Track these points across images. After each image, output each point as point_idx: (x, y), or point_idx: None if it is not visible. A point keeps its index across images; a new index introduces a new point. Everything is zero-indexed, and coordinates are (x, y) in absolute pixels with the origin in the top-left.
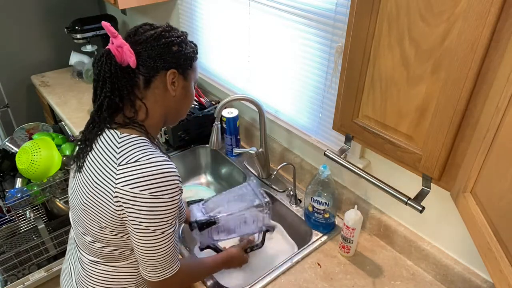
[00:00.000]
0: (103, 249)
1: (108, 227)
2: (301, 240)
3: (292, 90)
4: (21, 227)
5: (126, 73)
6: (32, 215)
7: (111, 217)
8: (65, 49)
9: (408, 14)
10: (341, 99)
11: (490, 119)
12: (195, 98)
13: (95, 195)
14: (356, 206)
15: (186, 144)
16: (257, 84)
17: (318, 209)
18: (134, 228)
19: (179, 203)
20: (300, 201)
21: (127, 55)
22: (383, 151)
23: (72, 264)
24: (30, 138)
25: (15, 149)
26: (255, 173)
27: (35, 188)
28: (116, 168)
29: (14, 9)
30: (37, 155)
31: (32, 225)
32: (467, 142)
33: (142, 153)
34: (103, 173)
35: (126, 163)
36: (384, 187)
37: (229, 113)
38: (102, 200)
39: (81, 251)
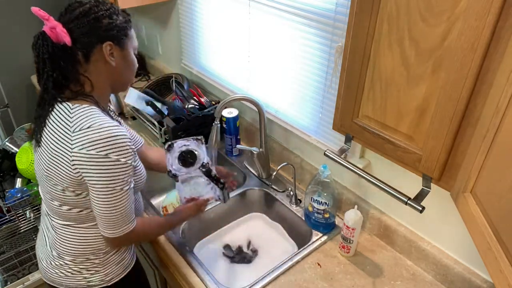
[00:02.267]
0: (70, 211)
1: (68, 188)
2: (301, 240)
3: (292, 90)
4: (21, 227)
5: (64, 52)
6: (32, 215)
7: (70, 179)
8: None
9: (408, 14)
10: (341, 99)
11: (490, 119)
12: (194, 98)
13: (54, 162)
14: (356, 206)
15: None
16: (257, 84)
17: (318, 209)
18: (93, 188)
19: (132, 162)
20: (300, 201)
21: (61, 35)
22: (383, 151)
23: (46, 232)
24: None
25: (15, 149)
26: (255, 173)
27: (35, 188)
28: (71, 135)
29: (14, 9)
30: None
31: (32, 225)
32: (467, 142)
33: (93, 120)
34: (59, 141)
35: (79, 130)
36: (384, 187)
37: (229, 113)
38: (61, 165)
39: (52, 217)
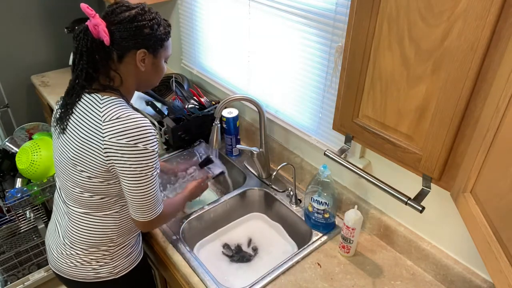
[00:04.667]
0: (91, 198)
1: (95, 177)
2: (301, 240)
3: (292, 90)
4: (21, 227)
5: (101, 48)
6: (32, 215)
7: (99, 167)
8: (65, 49)
9: (408, 14)
10: (341, 99)
11: (490, 119)
12: (194, 98)
13: (83, 149)
14: (356, 206)
15: (186, 144)
16: (257, 84)
17: (318, 209)
18: (124, 175)
19: (157, 149)
20: (300, 201)
21: (102, 34)
22: (383, 151)
23: (58, 221)
24: (30, 138)
25: (15, 149)
26: (255, 173)
27: (35, 188)
28: (102, 125)
29: (14, 9)
30: (37, 155)
31: (32, 225)
32: (467, 142)
33: (121, 111)
34: (89, 130)
35: (109, 120)
36: (384, 187)
37: (229, 113)
38: (91, 153)
39: (69, 205)
